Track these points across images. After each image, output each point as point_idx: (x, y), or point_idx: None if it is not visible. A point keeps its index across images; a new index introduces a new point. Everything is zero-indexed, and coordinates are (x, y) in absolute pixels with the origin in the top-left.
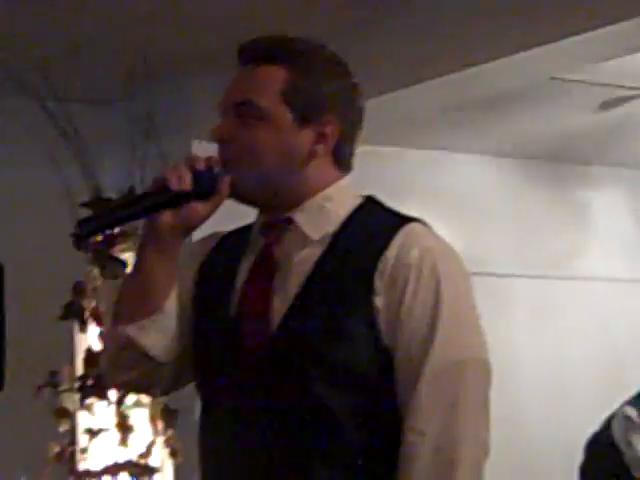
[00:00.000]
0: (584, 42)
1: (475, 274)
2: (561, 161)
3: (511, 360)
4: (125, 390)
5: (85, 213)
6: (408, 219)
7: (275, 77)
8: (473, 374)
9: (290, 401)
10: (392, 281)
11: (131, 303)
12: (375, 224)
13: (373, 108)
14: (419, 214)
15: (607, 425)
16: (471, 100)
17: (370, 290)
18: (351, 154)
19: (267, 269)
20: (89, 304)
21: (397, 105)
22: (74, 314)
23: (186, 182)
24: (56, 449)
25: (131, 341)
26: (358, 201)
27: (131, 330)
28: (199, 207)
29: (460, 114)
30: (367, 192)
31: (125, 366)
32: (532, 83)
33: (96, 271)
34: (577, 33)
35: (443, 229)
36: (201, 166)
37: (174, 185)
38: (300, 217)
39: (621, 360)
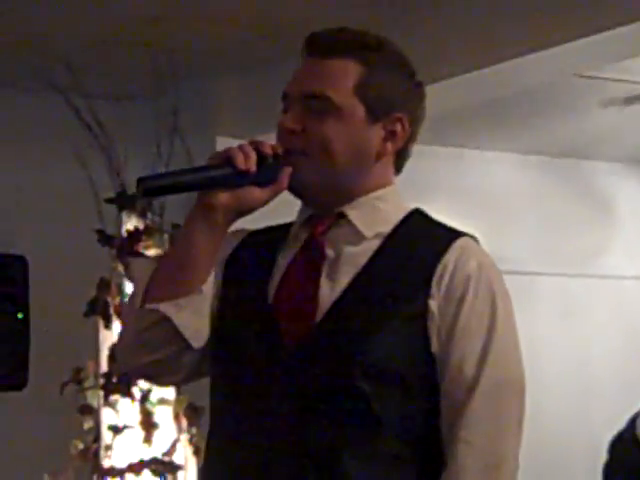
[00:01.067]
0: (609, 39)
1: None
2: (586, 158)
3: (535, 358)
4: (143, 375)
5: (109, 209)
6: (461, 232)
7: (349, 71)
8: (517, 393)
9: (326, 394)
10: (450, 288)
11: (168, 280)
12: (429, 232)
13: None
14: (446, 211)
15: (632, 424)
16: (497, 98)
17: (427, 293)
18: (410, 156)
19: (314, 258)
20: (113, 300)
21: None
22: (98, 310)
23: (252, 163)
24: (80, 446)
25: (165, 318)
26: (407, 208)
27: (166, 307)
28: (257, 192)
29: (487, 111)
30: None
31: (151, 346)
32: (557, 80)
33: (121, 267)
34: (602, 30)
35: (469, 226)
36: (268, 151)
37: (240, 163)
38: (353, 213)
39: None
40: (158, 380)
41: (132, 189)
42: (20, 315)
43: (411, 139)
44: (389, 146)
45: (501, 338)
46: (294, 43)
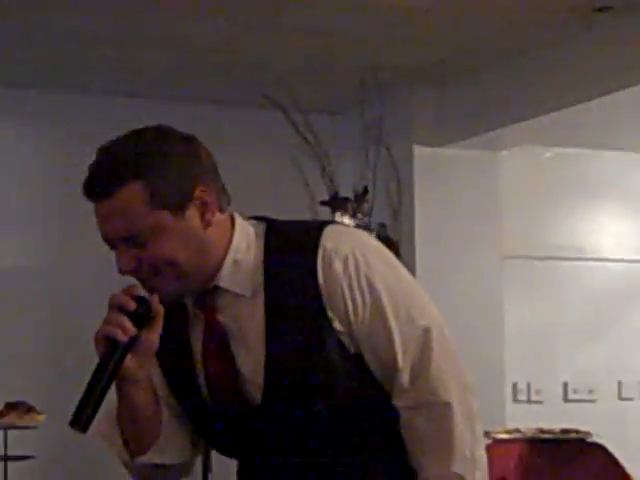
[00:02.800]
0: None
1: None
2: None
3: None
4: None
5: (324, 210)
6: (315, 232)
7: (132, 196)
8: (436, 335)
9: (303, 437)
10: (333, 304)
11: (136, 438)
12: (292, 254)
13: (580, 111)
14: (615, 212)
15: None
16: None
17: (328, 321)
18: (226, 195)
19: (220, 341)
20: None
21: (600, 110)
22: None
23: (128, 328)
24: None
25: (156, 466)
26: (259, 231)
27: (152, 457)
28: (149, 334)
29: None
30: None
31: (161, 477)
32: None
33: None
34: None
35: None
36: (131, 306)
37: (122, 337)
38: (224, 281)
39: None
40: (185, 476)
41: (344, 193)
42: None
43: (219, 191)
44: (209, 214)
45: (394, 311)
46: (484, 59)
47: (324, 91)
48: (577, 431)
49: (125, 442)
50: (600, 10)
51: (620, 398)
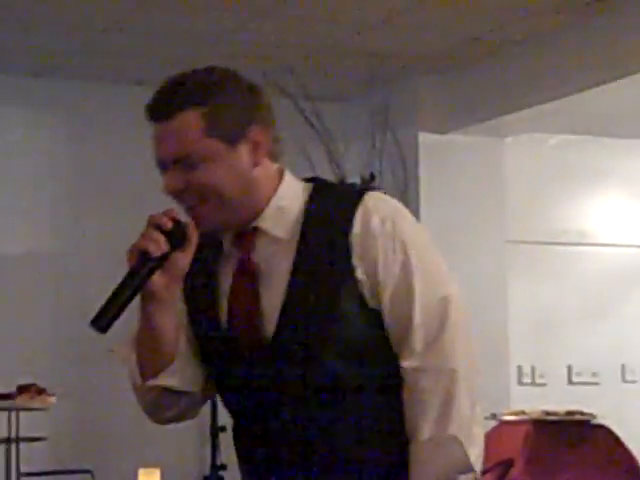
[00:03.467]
0: None
1: None
2: None
3: None
4: (173, 422)
5: None
6: (359, 192)
7: (192, 121)
8: (454, 308)
9: (307, 385)
10: (364, 254)
11: (151, 360)
12: (333, 206)
13: (582, 99)
14: (616, 198)
15: None
16: None
17: (351, 269)
18: (279, 147)
19: (249, 278)
20: None
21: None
22: None
23: (162, 244)
24: None
25: (165, 389)
26: (306, 188)
27: (163, 379)
28: (180, 256)
29: None
30: (571, 177)
31: (165, 407)
32: None
33: None
34: None
35: None
36: (168, 225)
37: (155, 251)
38: (265, 224)
39: None
40: (184, 420)
41: (351, 179)
42: None
43: (272, 132)
44: (259, 154)
45: (421, 274)
46: (489, 47)
47: (331, 79)
48: (582, 413)
49: (140, 366)
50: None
51: (624, 381)
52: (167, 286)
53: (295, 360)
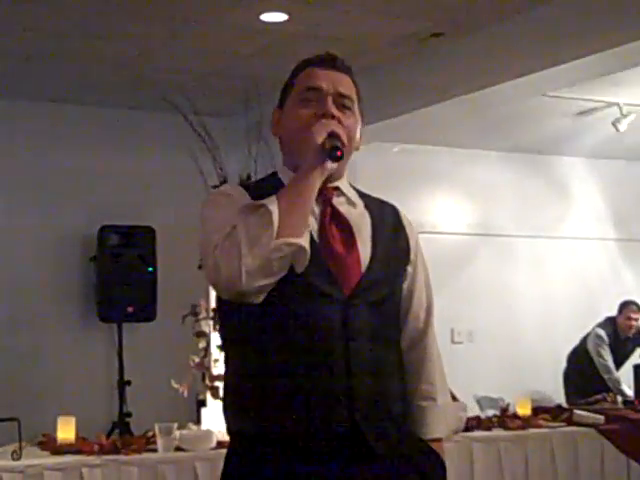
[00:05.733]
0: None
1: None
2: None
3: (514, 298)
4: (253, 296)
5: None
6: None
7: (352, 83)
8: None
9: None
10: (415, 254)
11: (299, 217)
12: (377, 200)
13: (420, 115)
14: (448, 195)
15: (583, 341)
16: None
17: (409, 253)
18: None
19: (346, 228)
20: None
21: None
22: None
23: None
24: (196, 360)
25: (303, 249)
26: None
27: (304, 240)
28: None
29: (484, 122)
30: (412, 178)
31: (274, 272)
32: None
33: None
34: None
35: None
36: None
37: (341, 136)
38: (344, 187)
39: (593, 297)
40: (253, 301)
41: (231, 180)
42: (150, 269)
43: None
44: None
45: (426, 277)
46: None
47: (216, 98)
48: None
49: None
50: (434, 35)
51: (452, 342)
52: (321, 176)
53: (372, 303)
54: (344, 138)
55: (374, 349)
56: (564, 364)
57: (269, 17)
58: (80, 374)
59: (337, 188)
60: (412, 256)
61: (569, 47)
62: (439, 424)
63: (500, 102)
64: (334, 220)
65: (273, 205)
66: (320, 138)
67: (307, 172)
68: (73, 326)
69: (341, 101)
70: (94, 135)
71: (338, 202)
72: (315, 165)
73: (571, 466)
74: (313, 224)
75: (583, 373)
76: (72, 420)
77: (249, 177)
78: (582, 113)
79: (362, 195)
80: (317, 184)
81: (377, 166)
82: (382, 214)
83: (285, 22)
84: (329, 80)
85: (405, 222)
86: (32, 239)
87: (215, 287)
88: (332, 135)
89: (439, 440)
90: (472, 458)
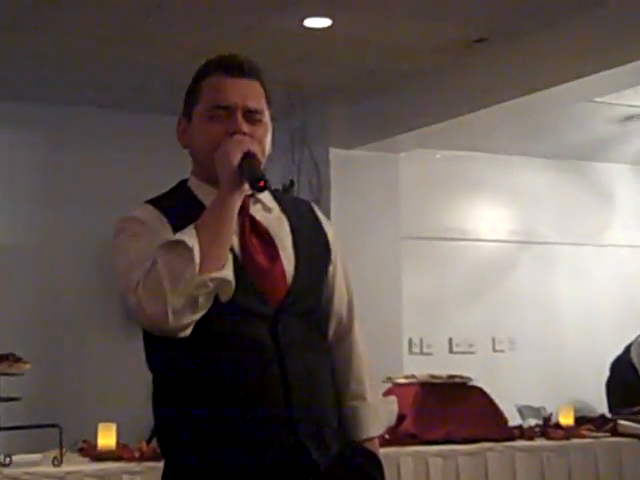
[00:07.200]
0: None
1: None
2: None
3: (556, 305)
4: (177, 333)
5: None
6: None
7: (262, 89)
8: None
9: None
10: (335, 252)
11: (221, 247)
12: (292, 199)
13: (462, 122)
14: (489, 202)
15: (627, 350)
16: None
17: (330, 252)
18: None
19: (266, 237)
20: None
21: (477, 121)
22: None
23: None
24: None
25: (228, 283)
26: None
27: (226, 274)
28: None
29: (527, 128)
30: (454, 184)
31: (203, 307)
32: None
33: None
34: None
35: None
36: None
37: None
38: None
39: (637, 305)
40: (181, 336)
41: (274, 186)
42: None
43: None
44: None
45: (346, 274)
46: (384, 80)
47: None
48: (460, 376)
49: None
50: (478, 41)
51: (494, 350)
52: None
53: (300, 315)
54: (260, 156)
55: (307, 361)
56: (607, 373)
57: (312, 22)
58: (121, 380)
59: (252, 195)
60: (332, 256)
61: (616, 52)
62: (373, 423)
63: (544, 108)
64: (254, 231)
65: (193, 239)
66: (235, 160)
67: (225, 197)
68: (115, 332)
69: (251, 115)
70: (144, 142)
71: (255, 210)
72: (233, 190)
73: (615, 477)
74: (234, 239)
75: (627, 382)
76: (113, 427)
77: (292, 183)
78: (628, 119)
79: (276, 197)
80: (237, 207)
81: (419, 173)
82: (299, 214)
83: (328, 28)
84: (238, 93)
85: (321, 218)
86: (75, 243)
87: (141, 323)
88: (248, 155)
89: (374, 438)
90: (514, 467)
